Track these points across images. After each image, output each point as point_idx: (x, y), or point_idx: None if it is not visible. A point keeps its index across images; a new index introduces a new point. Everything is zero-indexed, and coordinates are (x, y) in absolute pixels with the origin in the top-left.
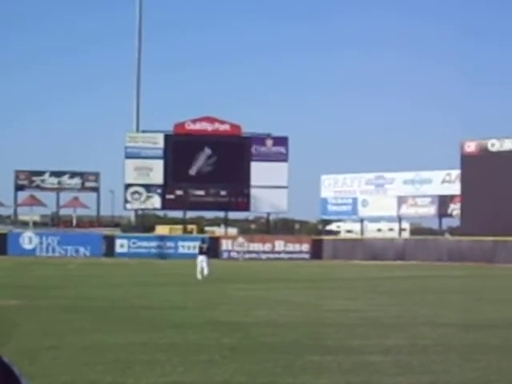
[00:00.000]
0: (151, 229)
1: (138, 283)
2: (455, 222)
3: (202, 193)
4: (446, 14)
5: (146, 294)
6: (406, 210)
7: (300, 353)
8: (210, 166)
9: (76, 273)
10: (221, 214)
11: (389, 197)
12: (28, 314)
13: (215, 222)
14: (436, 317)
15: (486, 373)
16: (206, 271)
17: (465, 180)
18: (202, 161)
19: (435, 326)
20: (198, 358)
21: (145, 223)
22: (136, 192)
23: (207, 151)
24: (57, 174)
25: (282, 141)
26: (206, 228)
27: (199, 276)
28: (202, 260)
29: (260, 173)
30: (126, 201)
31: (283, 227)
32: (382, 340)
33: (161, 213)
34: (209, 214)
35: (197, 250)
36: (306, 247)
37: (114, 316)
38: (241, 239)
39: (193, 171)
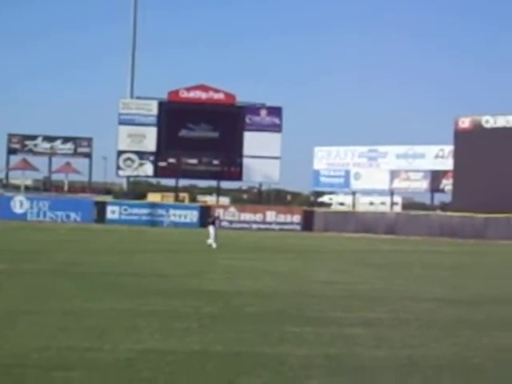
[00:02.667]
0: (143, 196)
1: (126, 250)
2: (447, 198)
3: (194, 161)
4: None
5: (133, 260)
6: (398, 184)
7: (280, 323)
8: (203, 135)
9: (65, 238)
10: (214, 183)
11: (381, 170)
12: (12, 278)
13: (208, 191)
14: (421, 292)
15: (464, 348)
16: (210, 240)
17: (458, 156)
18: (195, 129)
19: (419, 300)
20: (177, 326)
21: (137, 190)
22: (128, 159)
23: (201, 119)
24: (50, 138)
25: (276, 111)
26: (199, 197)
27: (214, 244)
28: (212, 229)
29: (253, 143)
30: (118, 167)
31: (276, 198)
32: (364, 313)
33: (154, 180)
34: (202, 183)
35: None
36: (297, 218)
37: (97, 282)
38: (232, 209)
39: (186, 139)
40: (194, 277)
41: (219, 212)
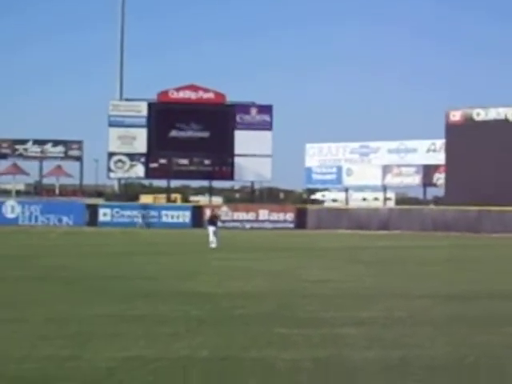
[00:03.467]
0: (136, 198)
1: (116, 253)
2: (440, 192)
3: (185, 162)
4: None
5: (122, 263)
6: (390, 179)
7: (269, 325)
8: (193, 135)
9: (56, 242)
10: (206, 183)
11: (373, 166)
12: None
13: (201, 191)
14: (415, 288)
15: (459, 347)
16: (215, 243)
17: (449, 149)
18: (185, 129)
19: (413, 297)
20: (163, 331)
21: (129, 192)
22: (119, 161)
23: (191, 119)
24: (40, 142)
25: (266, 109)
26: (192, 197)
27: (212, 245)
28: (213, 230)
29: (244, 141)
30: (109, 169)
31: (269, 196)
32: (356, 312)
33: (146, 182)
34: (194, 183)
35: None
36: (290, 216)
37: (84, 286)
38: (225, 208)
39: (176, 140)
40: (184, 279)
41: (220, 211)
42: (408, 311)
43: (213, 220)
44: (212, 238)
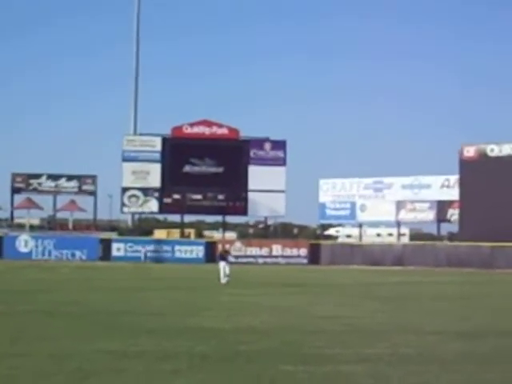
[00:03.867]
0: (150, 232)
1: (126, 288)
2: (454, 228)
3: (199, 197)
4: (443, 18)
5: (130, 298)
6: (404, 215)
7: (274, 362)
8: (207, 170)
9: (68, 277)
10: (220, 218)
11: (387, 202)
12: (4, 320)
13: (215, 227)
14: (425, 324)
15: None
16: (225, 279)
17: (463, 185)
18: (199, 164)
19: (422, 334)
20: (164, 367)
21: (144, 227)
22: (133, 195)
23: (205, 154)
24: (54, 176)
25: (280, 145)
26: (206, 232)
27: (223, 281)
28: (224, 266)
29: (258, 177)
30: (123, 204)
31: (283, 232)
32: (362, 349)
33: (161, 217)
34: (209, 218)
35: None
36: (303, 252)
37: (91, 321)
38: (238, 243)
39: (190, 175)
40: (191, 314)
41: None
42: (416, 348)
43: (223, 255)
44: (223, 273)
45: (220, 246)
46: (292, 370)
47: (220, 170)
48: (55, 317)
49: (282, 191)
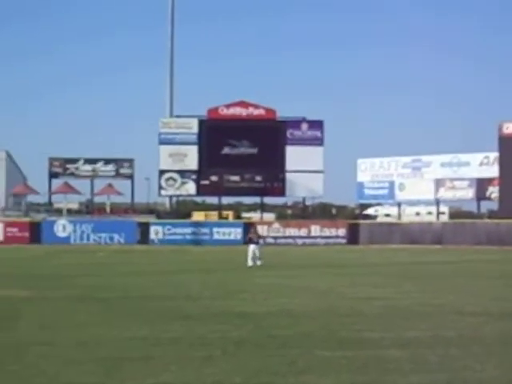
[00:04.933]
0: (188, 215)
1: (162, 271)
2: (494, 205)
3: (236, 178)
4: None
5: (166, 282)
6: (443, 193)
7: (310, 347)
8: (244, 151)
9: (104, 261)
10: (258, 200)
11: (426, 180)
12: (34, 306)
13: (253, 208)
14: (466, 305)
15: (510, 370)
16: (258, 262)
17: (503, 162)
18: (236, 146)
19: (463, 315)
20: (197, 354)
21: (182, 209)
22: (171, 178)
23: (241, 136)
24: (91, 161)
25: (317, 124)
26: (244, 214)
27: (250, 263)
28: (253, 249)
29: (295, 157)
30: (160, 187)
31: (321, 212)
32: (402, 332)
33: (199, 199)
34: (247, 200)
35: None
36: (342, 232)
37: (123, 307)
38: (276, 224)
39: (227, 157)
40: (226, 298)
41: (261, 228)
42: (457, 330)
43: (252, 238)
44: (251, 256)
45: (259, 228)
46: (329, 356)
47: (257, 151)
48: (87, 302)
49: (320, 171)
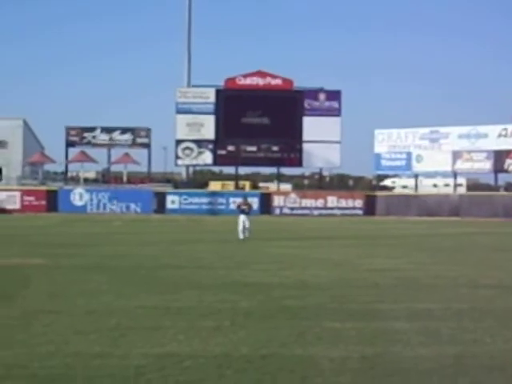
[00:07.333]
0: (205, 185)
1: (177, 240)
2: (511, 178)
3: (253, 148)
4: None
5: (180, 251)
6: (461, 165)
7: (320, 318)
8: (261, 121)
9: (120, 230)
10: (275, 170)
11: (443, 152)
12: (45, 274)
13: (270, 178)
14: (479, 277)
15: None
16: (247, 233)
17: None
18: (253, 116)
19: (476, 287)
20: (206, 324)
21: (199, 179)
22: (187, 148)
23: (259, 106)
24: (108, 130)
25: (334, 95)
26: (261, 184)
27: (241, 236)
28: (244, 220)
29: (312, 128)
30: (177, 157)
31: (338, 183)
32: (413, 303)
33: (216, 169)
34: (264, 170)
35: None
36: (359, 203)
37: (134, 276)
38: (293, 195)
39: (244, 127)
40: (237, 268)
41: (277, 198)
42: (469, 302)
43: (242, 208)
44: (241, 227)
45: (276, 198)
46: (339, 327)
47: (274, 121)
48: (99, 271)
49: (338, 142)
